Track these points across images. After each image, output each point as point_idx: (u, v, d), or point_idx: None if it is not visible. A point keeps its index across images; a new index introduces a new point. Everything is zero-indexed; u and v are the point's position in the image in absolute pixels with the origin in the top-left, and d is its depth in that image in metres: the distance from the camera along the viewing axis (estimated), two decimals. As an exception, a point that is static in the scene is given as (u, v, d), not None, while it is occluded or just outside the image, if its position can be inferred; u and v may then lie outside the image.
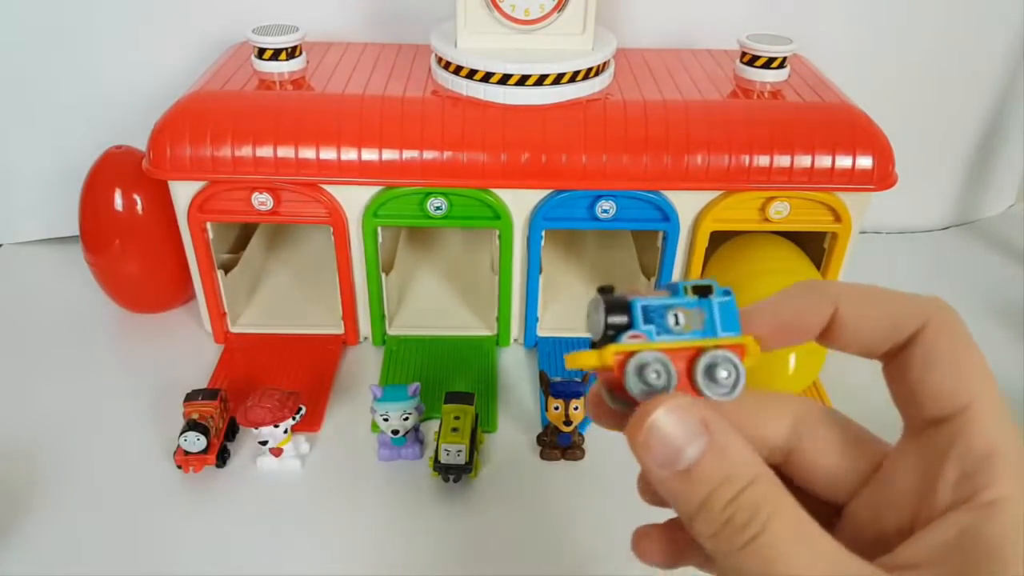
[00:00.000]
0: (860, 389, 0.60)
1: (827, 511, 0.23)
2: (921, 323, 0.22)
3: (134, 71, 0.68)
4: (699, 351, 0.22)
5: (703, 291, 0.22)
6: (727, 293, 0.23)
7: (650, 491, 0.25)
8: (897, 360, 0.22)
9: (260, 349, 0.62)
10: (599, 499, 0.51)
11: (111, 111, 0.69)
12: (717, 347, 0.22)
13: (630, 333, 0.21)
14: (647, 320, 0.21)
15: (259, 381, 0.58)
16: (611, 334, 0.21)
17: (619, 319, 0.21)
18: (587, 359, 0.21)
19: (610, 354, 0.21)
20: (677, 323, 0.22)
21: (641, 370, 0.21)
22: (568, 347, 0.63)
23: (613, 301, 0.21)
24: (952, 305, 0.22)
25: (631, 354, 0.21)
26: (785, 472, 0.24)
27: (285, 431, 0.51)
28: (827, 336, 0.23)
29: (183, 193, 0.56)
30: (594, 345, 0.22)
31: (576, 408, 0.51)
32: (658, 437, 0.20)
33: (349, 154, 0.54)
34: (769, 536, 0.19)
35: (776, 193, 0.56)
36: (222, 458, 0.52)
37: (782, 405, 0.24)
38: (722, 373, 0.21)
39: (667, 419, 0.20)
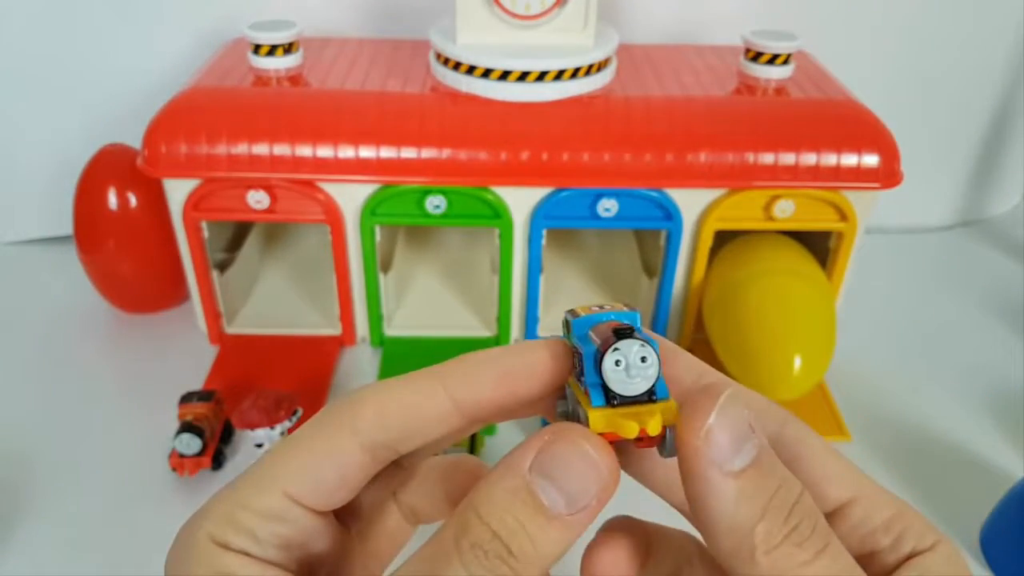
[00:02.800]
0: (867, 388, 0.60)
1: None
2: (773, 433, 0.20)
3: (129, 68, 0.67)
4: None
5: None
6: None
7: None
8: None
9: (256, 350, 0.61)
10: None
11: (106, 109, 0.68)
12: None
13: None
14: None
15: (255, 383, 0.57)
16: (653, 392, 0.19)
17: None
18: (654, 423, 0.18)
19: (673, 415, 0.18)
20: None
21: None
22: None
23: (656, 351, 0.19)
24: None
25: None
26: None
27: (281, 433, 0.50)
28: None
29: (178, 191, 0.55)
30: (611, 399, 0.19)
31: None
32: (724, 426, 0.17)
33: (346, 151, 0.53)
34: (824, 562, 0.17)
35: (781, 191, 0.55)
36: (217, 461, 0.51)
37: (661, 543, 0.23)
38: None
39: (731, 409, 0.17)
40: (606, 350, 0.18)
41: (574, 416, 0.20)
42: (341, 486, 0.21)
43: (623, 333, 0.19)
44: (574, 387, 0.20)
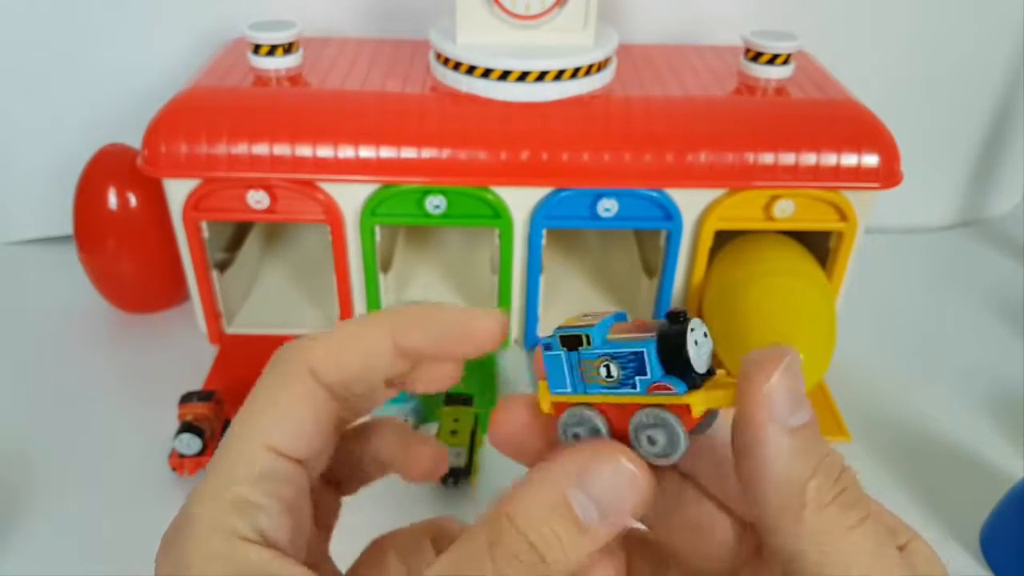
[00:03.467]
0: (867, 388, 0.60)
1: None
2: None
3: (129, 68, 0.67)
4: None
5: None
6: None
7: None
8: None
9: (256, 350, 0.61)
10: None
11: (106, 109, 0.68)
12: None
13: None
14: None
15: (255, 383, 0.57)
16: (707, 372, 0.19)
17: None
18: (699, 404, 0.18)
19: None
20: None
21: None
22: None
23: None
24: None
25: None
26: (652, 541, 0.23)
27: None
28: None
29: (178, 191, 0.55)
30: (693, 382, 0.19)
31: None
32: (785, 384, 0.17)
33: (346, 151, 0.53)
34: (868, 528, 0.17)
35: (781, 191, 0.55)
36: (217, 461, 0.51)
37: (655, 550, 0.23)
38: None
39: (793, 370, 0.18)
40: (685, 333, 0.18)
41: (635, 434, 0.19)
42: (317, 429, 0.21)
43: (681, 317, 0.19)
44: (614, 400, 0.19)
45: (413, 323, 0.21)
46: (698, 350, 0.19)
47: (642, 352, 0.19)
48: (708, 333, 0.19)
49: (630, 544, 0.23)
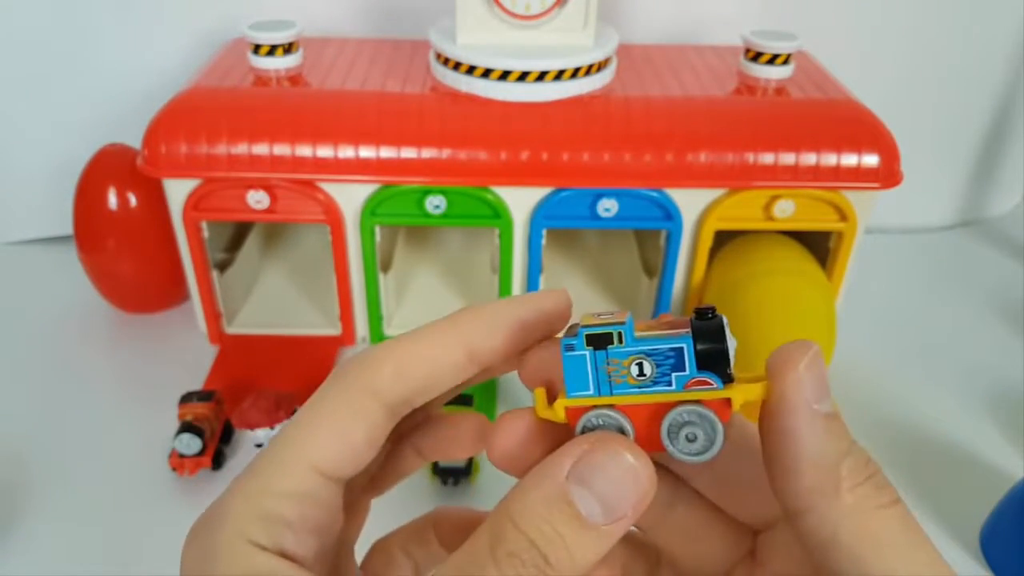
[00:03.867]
0: (867, 388, 0.60)
1: None
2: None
3: (129, 68, 0.68)
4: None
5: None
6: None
7: None
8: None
9: (256, 350, 0.61)
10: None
11: (106, 109, 0.68)
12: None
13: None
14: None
15: (255, 383, 0.57)
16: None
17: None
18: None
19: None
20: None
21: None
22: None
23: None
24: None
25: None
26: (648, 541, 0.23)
27: (281, 434, 0.50)
28: None
29: (178, 191, 0.55)
30: (729, 376, 0.19)
31: None
32: (813, 373, 0.18)
33: (346, 151, 0.53)
34: (901, 510, 0.17)
35: (781, 191, 0.55)
36: (217, 460, 0.51)
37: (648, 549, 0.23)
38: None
39: (819, 361, 0.18)
40: (724, 327, 0.18)
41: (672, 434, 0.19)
42: (369, 449, 0.20)
43: (710, 313, 0.19)
44: (644, 399, 0.19)
45: (488, 327, 0.20)
46: (731, 345, 0.19)
47: (682, 347, 0.18)
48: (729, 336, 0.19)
49: (624, 546, 0.23)
